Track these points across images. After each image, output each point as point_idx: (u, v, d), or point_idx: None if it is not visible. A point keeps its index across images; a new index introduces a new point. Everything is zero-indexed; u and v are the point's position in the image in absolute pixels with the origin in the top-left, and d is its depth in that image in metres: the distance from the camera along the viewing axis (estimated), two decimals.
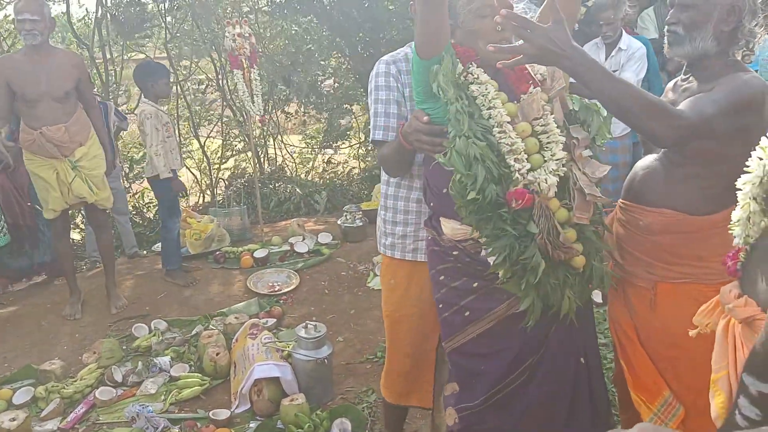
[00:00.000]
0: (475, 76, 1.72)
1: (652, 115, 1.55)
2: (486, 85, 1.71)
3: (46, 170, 3.74)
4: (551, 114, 1.75)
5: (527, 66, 1.78)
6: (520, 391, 1.79)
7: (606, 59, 4.07)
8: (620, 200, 1.92)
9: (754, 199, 1.21)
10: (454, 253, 1.81)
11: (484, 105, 1.69)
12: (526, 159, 1.69)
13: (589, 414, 1.87)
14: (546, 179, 1.67)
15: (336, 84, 6.95)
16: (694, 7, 1.72)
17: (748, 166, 1.23)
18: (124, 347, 3.56)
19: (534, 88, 1.73)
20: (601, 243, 1.81)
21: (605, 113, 1.75)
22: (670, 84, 1.95)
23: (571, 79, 1.77)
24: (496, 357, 1.79)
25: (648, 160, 1.85)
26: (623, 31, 4.07)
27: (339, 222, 5.07)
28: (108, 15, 5.67)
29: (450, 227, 1.82)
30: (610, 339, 3.26)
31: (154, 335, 3.64)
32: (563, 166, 1.71)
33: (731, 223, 1.30)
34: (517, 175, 1.65)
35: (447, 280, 1.84)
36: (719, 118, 1.60)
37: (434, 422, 2.33)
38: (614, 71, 4.01)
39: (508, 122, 1.68)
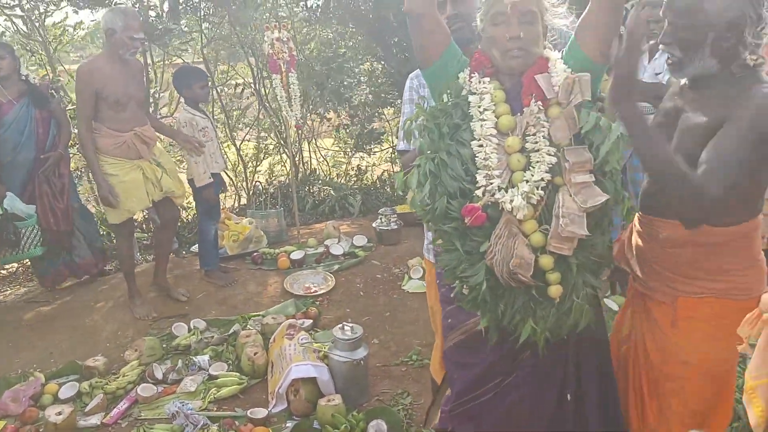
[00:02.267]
0: (475, 86, 1.67)
1: (678, 190, 1.51)
2: (483, 95, 1.65)
3: (133, 171, 3.79)
4: (547, 131, 1.61)
5: (540, 77, 1.63)
6: (488, 408, 1.77)
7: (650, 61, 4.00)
8: (638, 213, 1.87)
9: None
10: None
11: (475, 116, 1.64)
12: (506, 175, 1.60)
13: None
14: (512, 200, 1.57)
15: (368, 88, 6.97)
16: (690, 27, 1.62)
17: None
18: (164, 345, 3.62)
19: (535, 102, 1.62)
20: (590, 276, 1.64)
21: (615, 137, 1.58)
22: (676, 87, 1.82)
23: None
24: (464, 369, 1.81)
25: None
26: None
27: (374, 225, 5.07)
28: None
29: None
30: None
31: (194, 334, 3.70)
32: (544, 189, 1.58)
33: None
34: (478, 191, 1.59)
35: (439, 285, 1.93)
36: (748, 162, 1.52)
37: (428, 416, 2.51)
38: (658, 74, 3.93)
39: (492, 135, 1.61)
